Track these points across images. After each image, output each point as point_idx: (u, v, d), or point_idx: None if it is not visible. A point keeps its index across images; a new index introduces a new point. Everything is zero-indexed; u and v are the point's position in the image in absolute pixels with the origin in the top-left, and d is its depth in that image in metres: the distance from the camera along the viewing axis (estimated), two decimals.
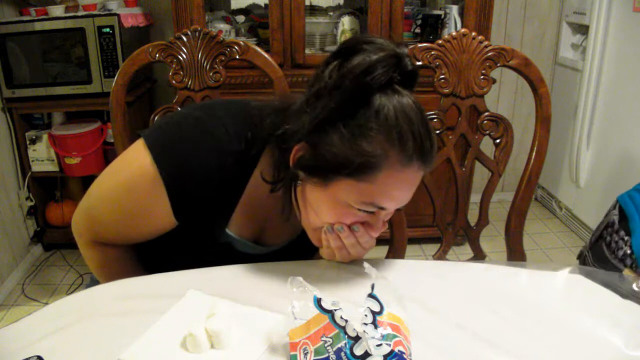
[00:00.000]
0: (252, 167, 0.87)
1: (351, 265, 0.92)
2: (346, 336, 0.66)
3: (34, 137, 2.27)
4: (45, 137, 2.26)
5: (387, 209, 0.79)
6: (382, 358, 0.64)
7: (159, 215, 0.85)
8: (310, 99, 0.78)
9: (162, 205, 0.83)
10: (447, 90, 1.16)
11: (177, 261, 0.90)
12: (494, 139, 1.19)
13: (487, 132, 1.18)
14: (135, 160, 0.83)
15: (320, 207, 0.80)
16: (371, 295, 0.69)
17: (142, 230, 0.89)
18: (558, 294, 0.88)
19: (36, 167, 2.31)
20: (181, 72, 1.17)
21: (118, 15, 2.12)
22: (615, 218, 1.54)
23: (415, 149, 0.74)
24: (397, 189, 0.77)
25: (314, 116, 0.76)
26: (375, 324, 0.67)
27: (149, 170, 0.81)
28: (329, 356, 0.66)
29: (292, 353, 0.69)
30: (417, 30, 2.46)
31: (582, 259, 1.66)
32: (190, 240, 0.91)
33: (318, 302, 0.68)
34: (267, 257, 0.94)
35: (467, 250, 1.30)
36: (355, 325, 0.66)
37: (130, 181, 0.84)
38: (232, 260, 0.91)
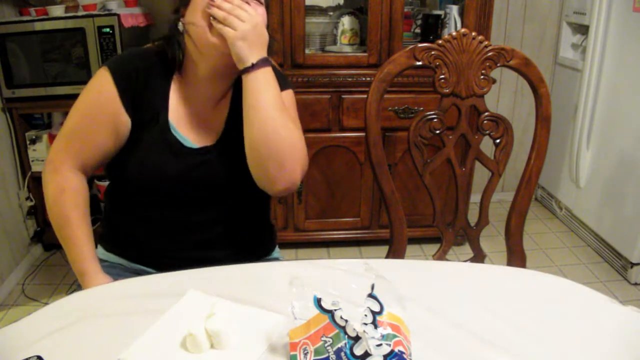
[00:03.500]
0: (178, 61, 1.04)
1: (351, 265, 0.92)
2: (346, 336, 0.66)
3: (34, 137, 2.26)
4: (45, 137, 2.26)
5: None
6: (382, 358, 0.64)
7: (111, 107, 1.01)
8: None
9: (111, 91, 1.00)
10: (447, 90, 1.16)
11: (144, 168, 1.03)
12: (494, 139, 1.19)
13: (487, 132, 1.18)
14: (95, 76, 1.04)
15: (195, 16, 0.97)
16: (371, 295, 0.69)
17: (101, 130, 1.02)
18: (558, 296, 0.88)
19: (36, 167, 2.30)
20: None
21: (118, 15, 2.12)
22: None
23: None
24: None
25: None
26: (375, 324, 0.67)
27: (102, 73, 1.02)
28: (329, 356, 0.66)
29: (292, 353, 0.69)
30: (417, 30, 2.46)
31: None
32: (141, 139, 1.03)
33: (318, 302, 0.68)
34: (203, 155, 1.05)
35: (467, 250, 1.30)
36: (355, 325, 0.66)
37: (90, 87, 1.04)
38: (183, 157, 1.03)
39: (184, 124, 1.05)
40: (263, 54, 0.97)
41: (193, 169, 1.04)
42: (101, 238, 1.16)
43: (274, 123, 0.96)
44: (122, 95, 1.01)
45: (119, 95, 1.01)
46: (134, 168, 1.04)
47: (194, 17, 0.98)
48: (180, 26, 1.01)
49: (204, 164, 1.04)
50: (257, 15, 0.96)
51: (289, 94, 1.11)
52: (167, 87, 1.05)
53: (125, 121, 1.02)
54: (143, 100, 1.03)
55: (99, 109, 1.02)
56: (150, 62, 1.05)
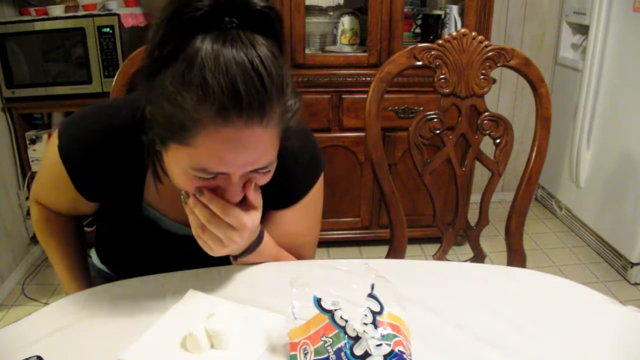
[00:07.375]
0: None
1: (351, 265, 0.92)
2: (346, 336, 0.66)
3: (34, 137, 2.26)
4: (45, 137, 2.26)
5: (227, 173, 0.69)
6: (382, 358, 0.64)
7: (66, 190, 0.87)
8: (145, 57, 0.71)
9: (64, 179, 0.85)
10: (447, 90, 1.16)
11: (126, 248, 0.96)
12: (494, 139, 1.19)
13: (487, 132, 1.18)
14: (48, 148, 0.88)
15: (171, 172, 0.74)
16: (371, 295, 0.69)
17: (62, 201, 0.93)
18: (558, 296, 0.88)
19: (36, 167, 2.30)
20: None
21: (118, 15, 2.12)
22: None
23: (230, 103, 0.62)
24: (224, 150, 0.66)
25: (142, 66, 0.71)
26: (375, 324, 0.67)
27: (54, 149, 0.84)
28: (329, 356, 0.66)
29: (292, 353, 0.69)
30: (417, 30, 2.46)
31: None
32: (122, 222, 0.92)
33: (318, 302, 0.68)
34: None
35: (467, 250, 1.30)
36: (355, 325, 0.66)
37: (46, 158, 0.90)
38: (169, 245, 0.93)
39: (172, 207, 0.90)
40: (254, 235, 0.83)
41: (181, 253, 0.91)
42: (96, 247, 1.11)
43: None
44: (79, 186, 0.86)
45: (74, 185, 0.86)
46: (109, 242, 0.98)
47: (171, 174, 0.75)
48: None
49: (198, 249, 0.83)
50: (232, 220, 0.74)
51: (318, 187, 0.94)
52: (140, 166, 0.84)
53: (86, 204, 0.91)
54: (104, 176, 0.85)
55: (57, 188, 0.89)
56: (115, 133, 0.82)
